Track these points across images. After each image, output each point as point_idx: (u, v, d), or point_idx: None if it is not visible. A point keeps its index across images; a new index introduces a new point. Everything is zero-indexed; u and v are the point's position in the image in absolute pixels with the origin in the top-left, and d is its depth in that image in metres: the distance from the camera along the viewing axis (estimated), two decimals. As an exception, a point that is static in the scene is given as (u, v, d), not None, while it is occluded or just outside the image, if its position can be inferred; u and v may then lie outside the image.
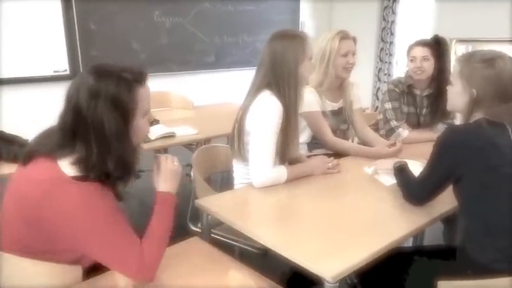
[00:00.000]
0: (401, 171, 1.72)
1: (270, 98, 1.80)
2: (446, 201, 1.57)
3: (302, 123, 2.42)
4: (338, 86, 2.45)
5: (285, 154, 1.87)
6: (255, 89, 1.85)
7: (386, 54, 6.18)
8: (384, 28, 6.13)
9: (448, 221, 1.95)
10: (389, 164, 1.82)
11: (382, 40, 6.19)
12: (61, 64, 4.30)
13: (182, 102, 3.93)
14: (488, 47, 5.90)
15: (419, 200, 1.57)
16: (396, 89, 2.61)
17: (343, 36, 2.31)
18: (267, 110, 1.79)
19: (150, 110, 1.30)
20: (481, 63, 1.41)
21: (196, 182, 1.97)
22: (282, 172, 1.82)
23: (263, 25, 5.62)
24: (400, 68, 6.11)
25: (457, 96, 1.49)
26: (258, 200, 1.75)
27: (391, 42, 6.09)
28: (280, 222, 1.54)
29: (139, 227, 1.29)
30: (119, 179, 1.22)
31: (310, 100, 2.33)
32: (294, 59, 1.80)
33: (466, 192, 1.41)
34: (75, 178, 1.14)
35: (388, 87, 2.66)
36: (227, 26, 5.45)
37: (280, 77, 1.80)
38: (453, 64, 1.51)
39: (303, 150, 2.49)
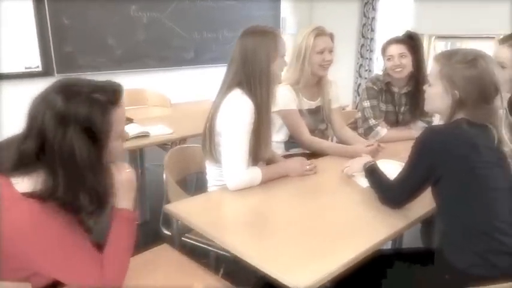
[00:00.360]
0: (372, 173, 1.66)
1: (240, 97, 1.71)
2: (425, 202, 1.51)
3: (278, 122, 2.36)
4: (315, 84, 2.38)
5: (257, 154, 1.80)
6: (226, 88, 1.77)
7: (367, 50, 6.16)
8: (364, 24, 6.10)
9: (426, 221, 1.90)
10: (359, 165, 1.76)
11: (363, 36, 6.16)
12: (33, 60, 4.13)
13: (159, 100, 3.82)
14: (468, 43, 5.97)
15: (397, 203, 1.51)
16: (374, 87, 2.56)
17: (319, 32, 2.24)
18: (238, 110, 1.70)
19: (124, 129, 1.19)
20: (463, 63, 1.35)
21: (168, 185, 1.88)
22: (256, 173, 1.75)
23: (244, 21, 5.51)
24: (380, 64, 6.09)
25: (436, 97, 1.43)
26: (231, 203, 1.67)
27: (371, 39, 6.07)
28: (252, 227, 1.46)
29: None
30: (91, 214, 1.11)
31: (287, 98, 2.26)
32: (265, 57, 1.72)
33: (445, 193, 1.36)
34: (26, 195, 1.04)
35: (366, 85, 2.60)
36: (207, 21, 5.33)
37: (252, 75, 1.72)
38: (431, 63, 1.45)
39: (279, 150, 2.42)
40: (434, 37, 5.82)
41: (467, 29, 5.25)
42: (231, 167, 1.69)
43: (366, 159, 1.77)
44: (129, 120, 2.77)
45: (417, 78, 2.52)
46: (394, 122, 2.66)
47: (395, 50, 2.46)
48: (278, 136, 2.41)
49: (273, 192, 1.73)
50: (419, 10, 5.64)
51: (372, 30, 6.06)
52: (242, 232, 1.43)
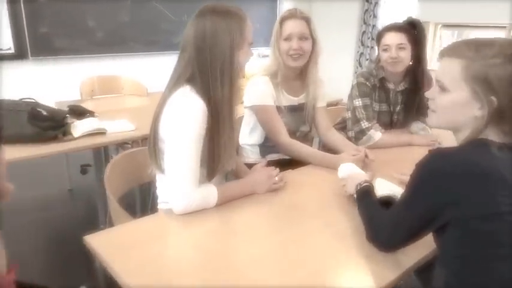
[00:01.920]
0: (363, 197, 1.26)
1: (188, 96, 1.31)
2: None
3: (252, 120, 1.95)
4: (298, 77, 1.96)
5: (215, 167, 1.40)
6: (173, 83, 1.36)
7: (369, 38, 5.67)
8: (366, 10, 5.61)
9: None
10: (354, 182, 1.35)
11: (365, 23, 5.67)
12: (4, 42, 3.72)
13: (135, 88, 3.40)
14: (475, 33, 5.49)
15: (387, 247, 1.10)
16: (367, 83, 2.11)
17: (286, 16, 1.84)
18: (183, 112, 1.30)
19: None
20: (502, 58, 0.93)
21: (110, 204, 1.48)
22: (210, 193, 1.35)
23: (239, 4, 5.05)
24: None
25: (457, 107, 0.99)
26: (177, 234, 1.27)
27: (373, 25, 5.58)
28: (205, 271, 1.06)
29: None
30: None
31: (262, 91, 1.86)
32: (229, 43, 1.31)
33: (456, 244, 0.93)
34: None
35: (358, 80, 2.14)
36: (198, 3, 4.86)
37: (210, 66, 1.30)
38: (445, 60, 1.02)
39: (254, 155, 2.02)
40: (440, 25, 5.34)
41: (475, 17, 4.78)
42: (175, 185, 1.30)
43: (361, 176, 1.37)
44: (90, 114, 2.38)
45: (415, 74, 2.12)
46: (388, 123, 2.24)
47: (394, 39, 2.03)
48: (252, 138, 2.00)
49: (235, 214, 1.33)
50: (425, -4, 5.14)
51: (375, 16, 5.56)
52: (187, 279, 1.03)
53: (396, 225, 1.03)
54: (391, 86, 2.17)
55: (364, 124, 2.04)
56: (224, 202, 1.38)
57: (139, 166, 1.63)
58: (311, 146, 2.03)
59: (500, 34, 4.88)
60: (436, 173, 0.92)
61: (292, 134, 1.94)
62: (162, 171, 1.41)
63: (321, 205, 1.42)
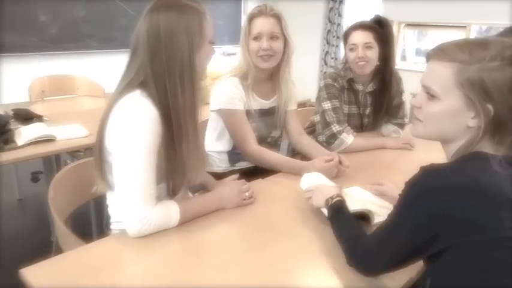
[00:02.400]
0: (337, 216, 1.13)
1: (137, 102, 1.14)
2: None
3: (220, 125, 1.80)
4: (269, 79, 1.82)
5: (175, 182, 1.24)
6: (123, 87, 1.18)
7: (334, 36, 5.63)
8: (331, 8, 5.56)
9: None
10: (323, 198, 1.21)
11: (330, 21, 5.63)
12: None
13: (91, 89, 3.16)
14: (436, 32, 5.55)
15: (371, 272, 0.98)
16: (335, 84, 2.00)
17: (255, 13, 1.69)
18: (131, 121, 1.12)
19: None
20: (499, 61, 0.82)
21: (56, 226, 1.28)
22: (170, 211, 1.18)
23: None
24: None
25: (448, 117, 0.88)
26: (132, 261, 1.10)
27: (338, 24, 5.55)
28: None
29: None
30: None
31: (232, 94, 1.70)
32: (187, 43, 1.15)
33: (451, 273, 0.81)
34: None
35: (325, 82, 2.01)
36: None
37: (168, 70, 1.14)
38: (432, 65, 0.90)
39: (222, 163, 1.86)
40: (404, 24, 5.37)
41: (437, 17, 4.83)
42: (127, 204, 1.13)
43: (330, 190, 1.24)
44: (38, 118, 2.14)
45: (384, 74, 2.03)
46: (359, 126, 2.15)
47: (360, 38, 1.94)
48: (219, 144, 1.84)
49: (203, 235, 1.17)
50: (389, -5, 5.14)
51: (339, 15, 5.52)
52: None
53: (383, 248, 0.91)
54: (359, 87, 2.08)
55: (335, 128, 1.93)
56: (187, 220, 1.22)
57: (93, 178, 1.44)
58: (278, 152, 1.90)
59: (461, 34, 4.95)
60: (430, 193, 0.80)
61: (263, 140, 1.80)
62: (110, 187, 1.23)
63: (294, 221, 1.27)
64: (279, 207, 1.37)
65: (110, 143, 1.17)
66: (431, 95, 0.90)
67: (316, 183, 1.34)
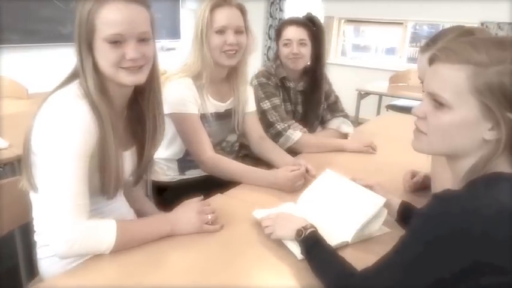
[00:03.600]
0: (312, 249, 0.95)
1: (67, 98, 0.98)
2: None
3: (170, 130, 1.57)
4: (226, 79, 1.61)
5: (115, 194, 1.05)
6: (64, 80, 1.03)
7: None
8: (272, 3, 5.44)
9: None
10: (286, 228, 1.03)
11: (271, 16, 5.51)
12: None
13: (12, 89, 2.74)
14: (375, 28, 5.63)
15: None
16: (269, 82, 1.89)
17: (217, 2, 1.47)
18: (58, 119, 0.95)
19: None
20: None
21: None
22: (103, 228, 0.97)
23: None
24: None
25: (461, 129, 0.73)
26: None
27: (280, 19, 5.44)
28: None
29: None
30: None
31: (185, 96, 1.48)
32: (77, 34, 0.99)
33: None
34: None
35: (259, 81, 1.88)
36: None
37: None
38: (439, 65, 0.75)
39: (171, 171, 1.63)
40: (343, 20, 5.38)
41: (375, 14, 4.88)
42: (51, 216, 0.94)
43: (297, 218, 1.05)
44: None
45: (315, 73, 1.97)
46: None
47: (295, 33, 1.87)
48: (169, 151, 1.61)
49: (148, 268, 0.95)
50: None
51: (281, 10, 5.42)
52: None
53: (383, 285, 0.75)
54: (291, 84, 1.97)
55: (280, 126, 1.80)
56: (128, 244, 1.00)
57: (18, 200, 1.15)
58: (235, 159, 1.71)
59: (398, 30, 5.05)
60: (452, 227, 0.65)
61: (217, 145, 1.59)
62: (34, 189, 1.02)
63: (266, 247, 1.09)
64: (245, 228, 1.17)
65: (35, 143, 0.99)
66: (439, 104, 0.74)
67: (275, 211, 1.15)
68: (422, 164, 1.23)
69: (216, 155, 1.50)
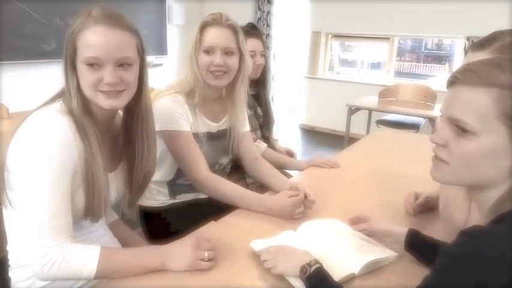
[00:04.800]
0: (319, 287, 0.87)
1: (48, 115, 0.96)
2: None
3: (160, 149, 1.48)
4: (218, 98, 1.53)
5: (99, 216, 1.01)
6: (48, 99, 1.02)
7: (263, 47, 5.49)
8: (259, 18, 5.41)
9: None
10: (287, 265, 0.95)
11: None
12: None
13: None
14: (363, 43, 5.65)
15: None
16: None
17: (209, 21, 1.41)
18: (36, 136, 0.92)
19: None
20: None
21: None
22: (85, 257, 0.92)
23: (123, 4, 4.42)
24: (277, 62, 5.48)
25: (487, 158, 0.66)
26: None
27: (267, 34, 5.41)
28: None
29: None
30: None
31: (177, 113, 1.40)
32: (64, 51, 0.99)
33: None
34: None
35: None
36: (72, 4, 4.12)
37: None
38: (460, 88, 0.66)
39: (161, 196, 1.53)
40: (330, 35, 5.37)
41: (362, 29, 4.89)
42: (29, 236, 0.91)
43: (300, 253, 0.97)
44: None
45: (263, 79, 2.06)
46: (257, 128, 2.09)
47: (257, 45, 1.92)
48: (158, 173, 1.50)
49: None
50: (316, 8, 5.11)
51: (268, 25, 5.39)
52: None
53: None
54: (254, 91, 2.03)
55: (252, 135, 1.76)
56: (113, 274, 0.93)
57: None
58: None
59: (385, 45, 5.07)
60: (481, 276, 0.57)
61: (210, 167, 1.49)
62: (7, 207, 0.99)
63: (262, 282, 0.99)
64: (243, 261, 1.07)
65: (10, 160, 0.95)
66: (462, 130, 0.67)
67: (276, 244, 1.05)
68: (425, 181, 1.16)
69: (213, 174, 1.41)
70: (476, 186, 0.71)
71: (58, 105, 0.97)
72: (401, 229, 1.07)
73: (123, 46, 0.97)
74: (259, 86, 2.06)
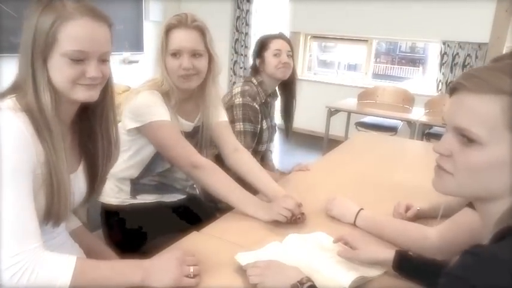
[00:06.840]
0: None
1: (4, 111, 0.86)
2: None
3: (134, 146, 1.41)
4: (190, 99, 1.46)
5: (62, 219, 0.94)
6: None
7: (242, 46, 5.41)
8: (238, 17, 5.34)
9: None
10: (284, 277, 0.89)
11: (237, 30, 5.40)
12: None
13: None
14: (342, 45, 5.65)
15: None
16: (254, 104, 1.81)
17: (174, 23, 1.34)
18: None
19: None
20: None
21: None
22: (59, 267, 0.83)
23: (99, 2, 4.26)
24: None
25: (495, 169, 0.62)
26: None
27: (246, 33, 5.34)
28: None
29: None
30: None
31: (155, 105, 1.33)
32: (30, 43, 0.89)
33: None
34: None
35: (244, 101, 1.79)
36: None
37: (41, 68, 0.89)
38: (464, 95, 0.62)
39: (121, 194, 1.45)
40: (310, 36, 5.35)
41: (341, 31, 4.88)
42: None
43: (290, 270, 0.91)
44: None
45: (291, 86, 1.97)
46: (271, 139, 2.10)
47: (284, 45, 1.87)
48: (125, 170, 1.43)
49: None
50: (295, 8, 5.07)
51: (247, 24, 5.32)
52: None
53: None
54: (272, 100, 1.98)
55: None
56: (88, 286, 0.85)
57: None
58: None
59: (363, 47, 5.09)
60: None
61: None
62: None
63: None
64: (227, 276, 1.00)
65: None
66: (468, 140, 0.63)
67: (264, 258, 0.99)
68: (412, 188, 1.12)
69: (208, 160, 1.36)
70: (481, 198, 0.66)
71: (10, 102, 0.88)
72: (388, 254, 0.99)
73: (105, 41, 0.93)
74: (286, 91, 1.99)
